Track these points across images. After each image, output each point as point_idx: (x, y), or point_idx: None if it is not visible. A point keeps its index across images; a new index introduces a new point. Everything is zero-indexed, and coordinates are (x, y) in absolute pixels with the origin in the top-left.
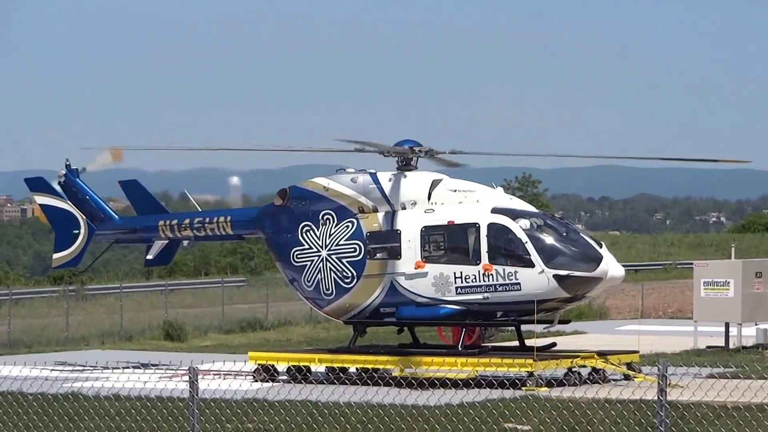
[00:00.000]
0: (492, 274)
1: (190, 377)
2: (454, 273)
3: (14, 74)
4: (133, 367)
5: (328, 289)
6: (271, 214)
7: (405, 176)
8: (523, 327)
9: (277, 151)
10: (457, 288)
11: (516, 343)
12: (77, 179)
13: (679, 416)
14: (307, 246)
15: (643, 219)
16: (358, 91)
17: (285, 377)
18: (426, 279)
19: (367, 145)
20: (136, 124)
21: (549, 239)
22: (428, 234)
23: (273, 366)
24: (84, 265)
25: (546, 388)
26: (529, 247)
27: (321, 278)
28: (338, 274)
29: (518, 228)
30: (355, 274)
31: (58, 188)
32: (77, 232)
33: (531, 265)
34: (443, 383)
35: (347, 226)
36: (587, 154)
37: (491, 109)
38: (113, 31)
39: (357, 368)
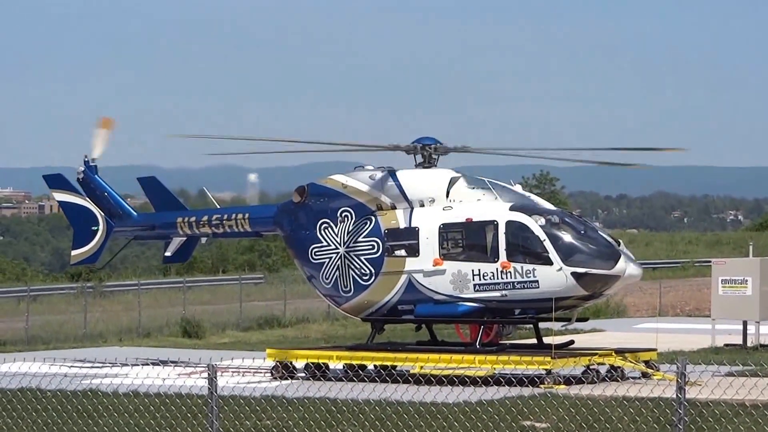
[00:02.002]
0: (510, 272)
1: (209, 374)
2: (472, 270)
3: (33, 71)
4: (152, 364)
5: (346, 286)
6: (289, 211)
7: (423, 173)
8: (541, 324)
9: (295, 146)
10: (475, 285)
11: (534, 340)
12: (96, 176)
13: (698, 414)
14: (325, 243)
15: (660, 217)
16: (375, 88)
17: (303, 374)
18: (444, 276)
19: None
20: (154, 122)
21: (567, 237)
22: (446, 231)
23: (291, 363)
24: (102, 261)
25: (564, 386)
26: (547, 244)
27: (339, 275)
28: (356, 271)
29: (536, 225)
30: (373, 271)
31: (76, 185)
32: (96, 228)
33: (549, 262)
34: (461, 381)
35: (365, 223)
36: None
37: (508, 106)
38: (130, 29)
39: (375, 365)
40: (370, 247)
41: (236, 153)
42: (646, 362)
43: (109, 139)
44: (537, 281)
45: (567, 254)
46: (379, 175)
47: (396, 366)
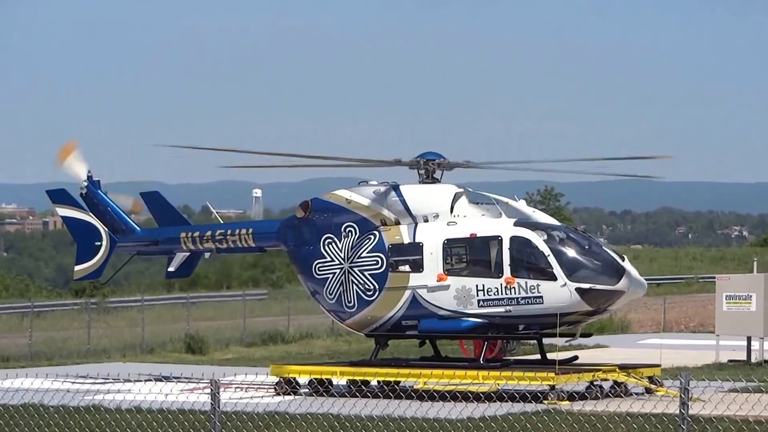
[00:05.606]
0: (514, 287)
1: (211, 390)
2: (476, 286)
3: (38, 86)
4: (155, 380)
5: (350, 302)
6: (292, 226)
7: (427, 189)
8: (545, 340)
9: (299, 166)
10: (479, 301)
11: (538, 356)
12: (99, 191)
13: (701, 430)
14: (329, 258)
15: (665, 233)
16: (378, 102)
17: (306, 390)
18: (448, 292)
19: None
20: (159, 135)
21: (571, 252)
22: (450, 246)
23: (294, 379)
24: (105, 277)
25: (568, 402)
26: (552, 260)
27: (343, 291)
28: (360, 286)
29: (540, 241)
30: (377, 286)
31: (79, 200)
32: (99, 243)
33: (553, 278)
34: (465, 396)
35: (369, 239)
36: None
37: (512, 121)
38: (138, 44)
39: (379, 381)
40: (374, 262)
41: (239, 166)
42: (650, 378)
43: (80, 158)
44: (541, 297)
45: (571, 270)
46: (382, 190)
47: (400, 382)
